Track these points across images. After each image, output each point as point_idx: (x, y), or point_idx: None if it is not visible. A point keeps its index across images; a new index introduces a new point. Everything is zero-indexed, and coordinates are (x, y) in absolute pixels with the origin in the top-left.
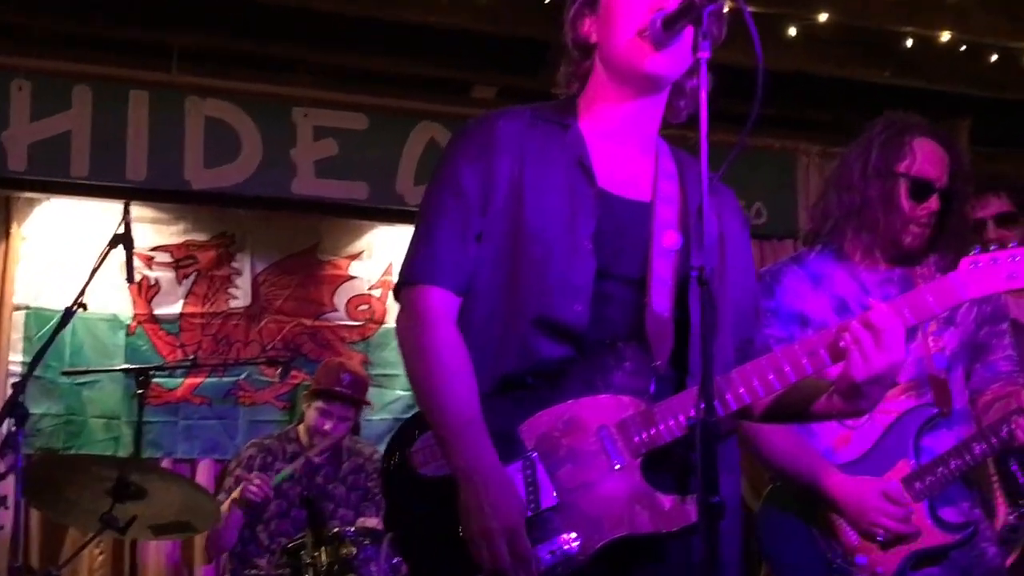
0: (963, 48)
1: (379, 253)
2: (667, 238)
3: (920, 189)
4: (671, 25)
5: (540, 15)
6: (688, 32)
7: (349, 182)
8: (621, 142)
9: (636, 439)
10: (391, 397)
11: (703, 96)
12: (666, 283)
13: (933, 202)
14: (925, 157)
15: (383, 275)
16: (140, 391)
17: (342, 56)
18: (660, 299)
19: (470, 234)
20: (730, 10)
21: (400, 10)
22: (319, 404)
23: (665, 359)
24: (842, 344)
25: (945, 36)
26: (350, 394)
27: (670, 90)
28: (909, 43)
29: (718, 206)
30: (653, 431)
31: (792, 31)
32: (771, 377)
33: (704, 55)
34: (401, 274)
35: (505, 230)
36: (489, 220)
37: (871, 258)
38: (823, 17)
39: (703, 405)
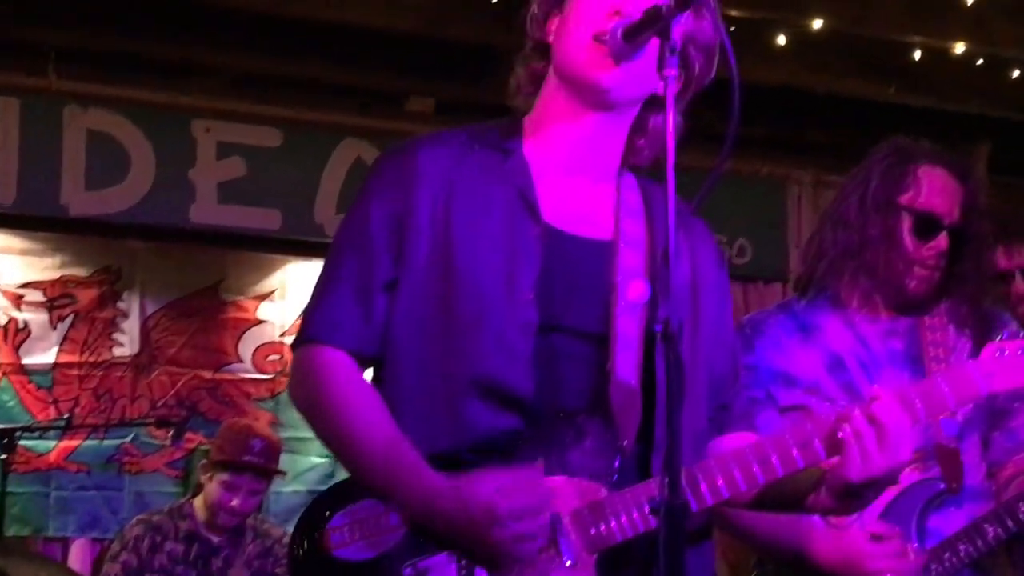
0: (980, 61)
1: (293, 293)
2: (633, 289)
3: (926, 225)
4: (633, 37)
5: (486, 16)
6: (653, 46)
7: (259, 209)
8: (575, 170)
9: (592, 531)
10: (305, 465)
11: (669, 123)
12: (632, 343)
13: (941, 241)
14: (932, 188)
15: (298, 320)
16: (3, 456)
17: (251, 60)
18: (625, 364)
19: (375, 285)
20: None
21: (321, 7)
22: (224, 477)
23: (632, 437)
24: (840, 435)
25: (960, 47)
26: (261, 464)
27: (632, 124)
28: (918, 55)
29: (688, 242)
30: (612, 523)
31: (782, 39)
32: (755, 469)
33: (671, 73)
34: (298, 331)
35: (431, 278)
36: (407, 268)
37: (871, 305)
38: (817, 23)
39: (667, 483)
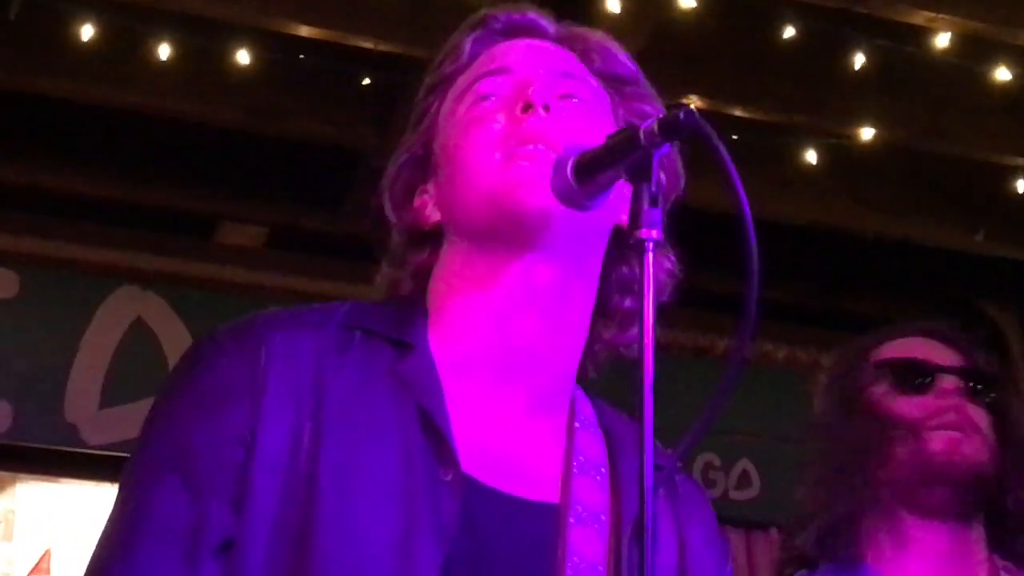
0: None
1: (26, 529)
2: None
3: (915, 370)
4: (592, 173)
5: (345, 107)
6: (619, 188)
7: None
8: (505, 380)
9: None
10: None
11: (647, 313)
12: None
13: (948, 384)
14: (912, 344)
15: (34, 571)
16: None
17: None
18: None
19: (205, 547)
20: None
21: (93, 85)
22: None
23: None
24: None
25: None
26: None
27: (593, 309)
28: (1021, 185)
29: (673, 514)
30: None
31: (812, 156)
32: None
33: (652, 236)
34: None
35: (280, 546)
36: (250, 519)
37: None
38: (867, 133)
39: None
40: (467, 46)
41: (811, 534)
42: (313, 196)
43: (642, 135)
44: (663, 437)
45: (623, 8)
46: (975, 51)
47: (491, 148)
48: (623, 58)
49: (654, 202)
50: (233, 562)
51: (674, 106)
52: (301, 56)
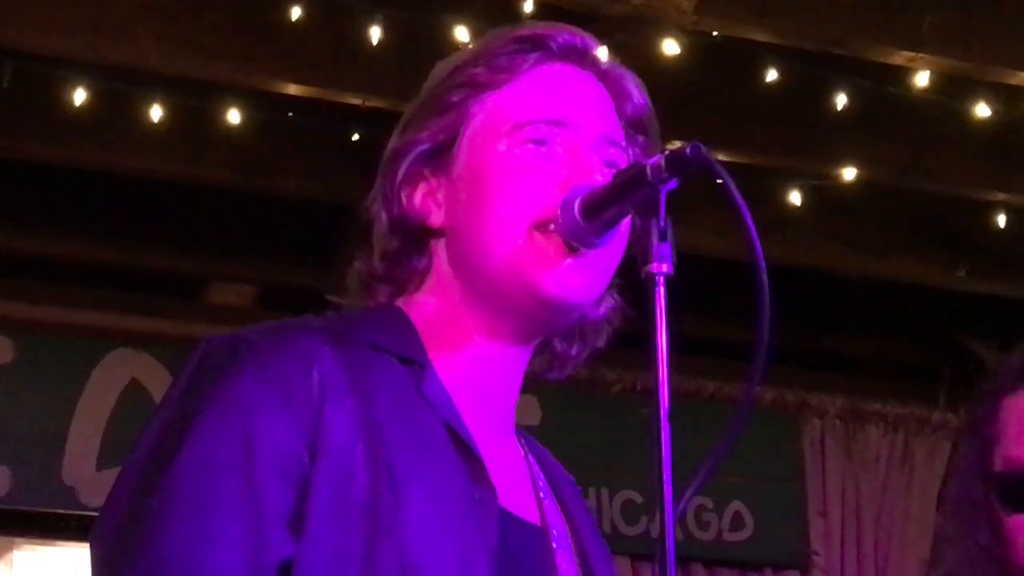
0: None
1: None
2: None
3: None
4: (600, 211)
5: (334, 163)
6: (624, 226)
7: None
8: (484, 405)
9: None
10: None
11: (660, 349)
12: None
13: None
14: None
15: None
16: None
17: None
18: None
19: (267, 566)
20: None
21: (85, 149)
22: None
23: None
24: None
25: None
26: None
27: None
28: (1002, 220)
29: (588, 521)
30: None
31: (796, 197)
32: None
33: (663, 271)
34: None
35: (347, 564)
36: (309, 541)
37: None
38: (849, 173)
39: None
40: (522, 64)
41: None
42: (302, 253)
43: (649, 171)
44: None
45: (608, 54)
46: (955, 89)
47: (525, 206)
48: (645, 105)
49: (663, 237)
50: None
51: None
52: (290, 114)
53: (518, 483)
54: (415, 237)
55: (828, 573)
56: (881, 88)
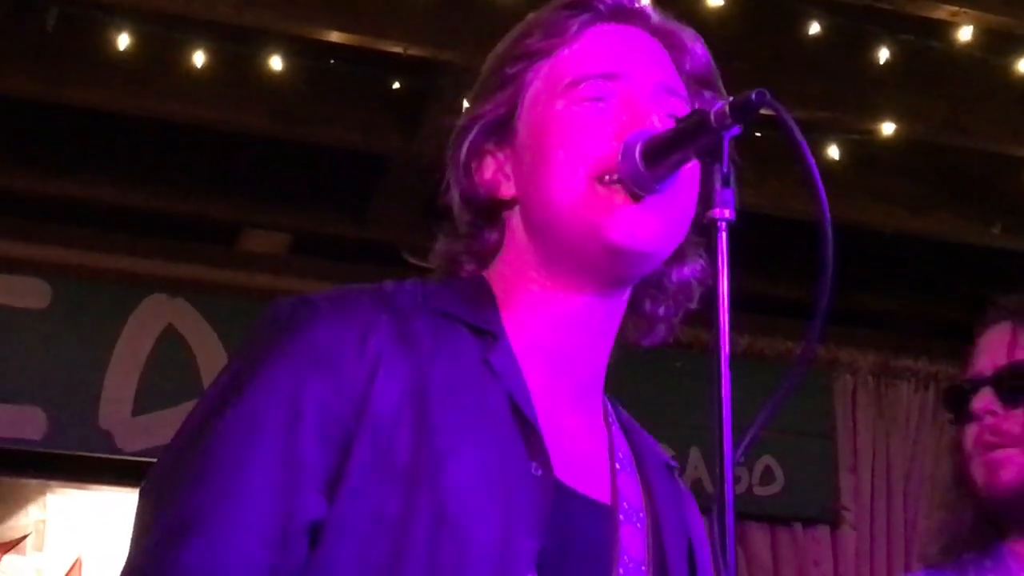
0: None
1: (58, 539)
2: None
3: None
4: (661, 157)
5: (373, 112)
6: (687, 172)
7: (11, 407)
8: (555, 375)
9: None
10: None
11: (723, 302)
12: None
13: (986, 402)
14: (988, 349)
15: None
16: None
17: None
18: None
19: (297, 523)
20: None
21: (127, 94)
22: None
23: None
24: None
25: None
26: None
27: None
28: None
29: (680, 514)
30: None
31: (834, 151)
32: None
33: (725, 216)
34: None
35: (382, 527)
36: (344, 504)
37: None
38: (887, 128)
39: None
40: (572, 26)
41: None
42: (337, 202)
43: (713, 117)
44: (700, 436)
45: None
46: (997, 45)
47: (583, 159)
48: (708, 61)
49: (726, 182)
50: (322, 546)
51: None
52: (332, 61)
53: (590, 455)
54: (488, 210)
55: (857, 529)
56: (923, 42)
